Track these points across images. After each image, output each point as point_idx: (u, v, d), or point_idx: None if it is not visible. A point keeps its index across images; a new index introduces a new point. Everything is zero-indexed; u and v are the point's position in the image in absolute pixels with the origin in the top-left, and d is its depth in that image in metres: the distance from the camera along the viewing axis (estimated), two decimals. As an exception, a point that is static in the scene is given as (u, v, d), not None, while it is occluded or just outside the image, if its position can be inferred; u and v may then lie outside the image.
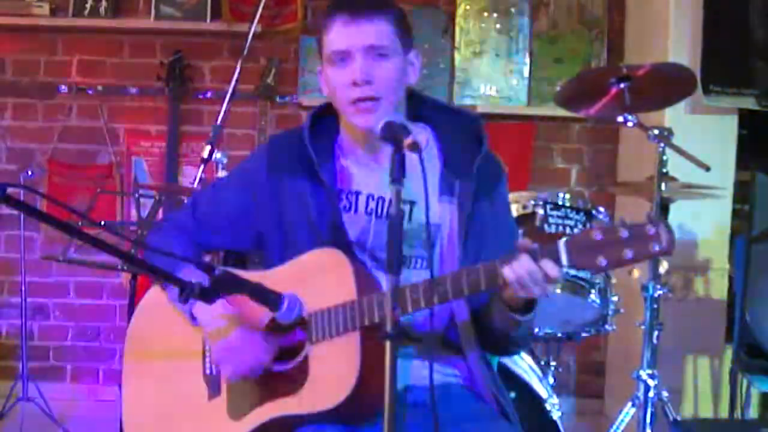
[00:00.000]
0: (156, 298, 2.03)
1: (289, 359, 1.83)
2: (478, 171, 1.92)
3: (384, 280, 1.62)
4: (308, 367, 1.78)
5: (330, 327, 1.77)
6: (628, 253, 1.61)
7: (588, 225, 2.95)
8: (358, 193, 1.94)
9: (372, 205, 1.93)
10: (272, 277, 1.87)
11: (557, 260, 1.65)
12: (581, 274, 2.84)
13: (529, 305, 1.78)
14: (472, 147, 1.94)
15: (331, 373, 1.75)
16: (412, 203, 1.90)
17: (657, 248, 1.60)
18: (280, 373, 1.82)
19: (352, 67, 1.84)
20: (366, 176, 1.95)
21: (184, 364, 1.95)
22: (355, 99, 1.84)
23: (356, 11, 1.84)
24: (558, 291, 2.80)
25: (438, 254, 1.91)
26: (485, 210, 1.92)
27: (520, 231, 2.74)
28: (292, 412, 1.77)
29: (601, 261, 1.62)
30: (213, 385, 1.91)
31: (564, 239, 1.66)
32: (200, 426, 1.90)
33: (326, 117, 1.99)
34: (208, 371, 1.92)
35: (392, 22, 1.86)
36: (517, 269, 1.66)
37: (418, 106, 2.01)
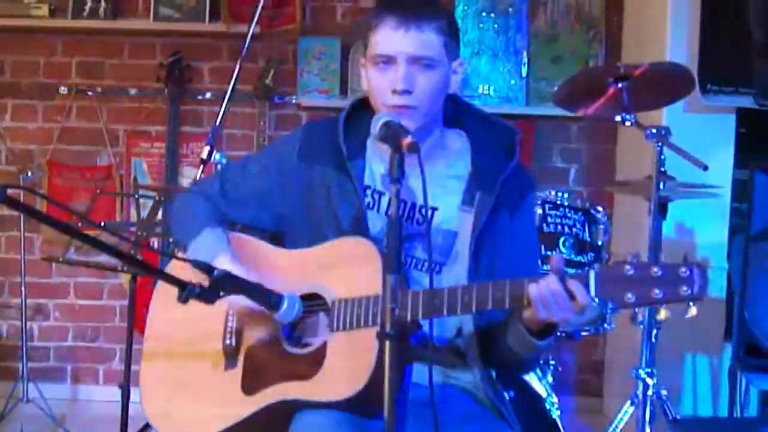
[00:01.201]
0: (178, 269, 2.03)
1: (308, 343, 1.83)
2: (504, 184, 1.90)
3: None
4: (325, 354, 1.78)
5: (351, 318, 1.77)
6: (658, 294, 1.58)
7: (587, 224, 2.96)
8: (381, 194, 1.94)
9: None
10: (302, 258, 1.89)
11: (586, 289, 1.63)
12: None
13: (548, 331, 1.76)
14: (502, 159, 1.93)
15: (346, 365, 1.75)
16: (433, 210, 1.91)
17: (688, 292, 1.57)
18: (298, 356, 1.83)
19: (394, 73, 1.83)
20: None
21: (203, 332, 1.93)
22: (393, 106, 1.84)
23: (407, 15, 1.82)
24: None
25: (451, 262, 1.91)
26: (504, 223, 1.91)
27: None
28: (301, 397, 1.77)
29: (630, 297, 1.59)
30: (230, 357, 1.90)
31: (595, 270, 1.63)
32: (214, 395, 1.89)
33: (362, 111, 1.97)
34: (227, 342, 1.91)
35: (442, 31, 1.84)
36: (543, 288, 1.64)
37: (457, 111, 2.00)
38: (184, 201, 2.10)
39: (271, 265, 1.88)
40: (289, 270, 1.82)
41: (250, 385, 1.86)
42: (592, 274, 1.62)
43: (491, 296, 1.68)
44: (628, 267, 1.60)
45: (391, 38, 1.83)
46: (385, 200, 1.94)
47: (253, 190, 2.02)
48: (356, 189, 1.91)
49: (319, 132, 2.01)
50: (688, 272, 1.57)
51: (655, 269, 1.58)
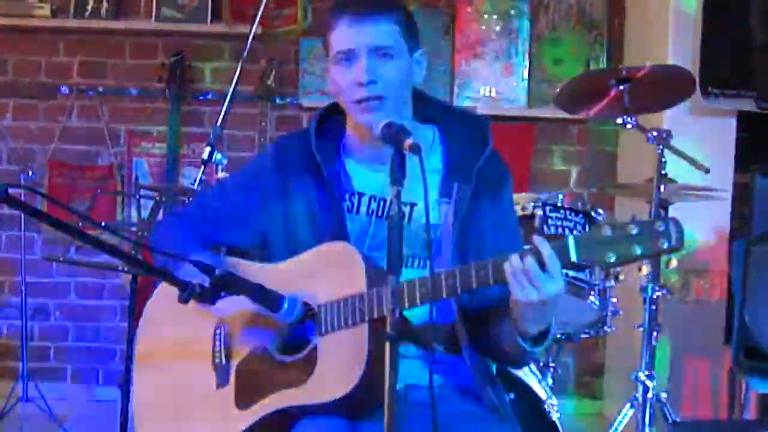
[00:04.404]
0: (169, 288, 2.03)
1: (298, 350, 1.83)
2: (480, 173, 1.92)
3: None
4: (316, 358, 1.79)
5: (339, 319, 1.77)
6: (637, 249, 1.60)
7: (587, 227, 2.96)
8: (361, 195, 1.95)
9: (373, 206, 1.94)
10: (282, 270, 1.89)
11: (566, 255, 1.64)
12: (581, 275, 2.85)
13: (540, 337, 1.76)
14: (476, 149, 1.94)
15: (339, 364, 1.75)
16: (413, 205, 1.91)
17: (666, 245, 1.59)
18: (289, 364, 1.83)
19: (357, 67, 1.84)
20: (369, 178, 1.95)
21: (193, 353, 1.95)
22: (360, 99, 1.85)
23: (362, 11, 1.84)
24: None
25: (435, 254, 1.90)
26: (485, 212, 1.92)
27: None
28: (298, 403, 1.78)
29: (611, 257, 1.61)
30: (221, 375, 1.91)
31: (573, 235, 1.65)
32: (208, 414, 1.90)
33: (332, 117, 1.99)
34: (217, 360, 1.92)
35: (398, 22, 1.86)
36: (515, 262, 1.65)
37: (425, 106, 2.01)
38: (165, 230, 2.11)
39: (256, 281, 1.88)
40: (273, 282, 1.81)
41: (244, 400, 1.86)
42: (571, 240, 1.64)
43: (475, 276, 1.69)
44: (605, 228, 1.62)
45: (349, 33, 1.84)
46: (365, 201, 1.95)
47: (233, 212, 2.03)
48: (335, 195, 1.92)
49: (291, 145, 2.02)
50: (663, 226, 1.59)
51: (632, 227, 1.61)
